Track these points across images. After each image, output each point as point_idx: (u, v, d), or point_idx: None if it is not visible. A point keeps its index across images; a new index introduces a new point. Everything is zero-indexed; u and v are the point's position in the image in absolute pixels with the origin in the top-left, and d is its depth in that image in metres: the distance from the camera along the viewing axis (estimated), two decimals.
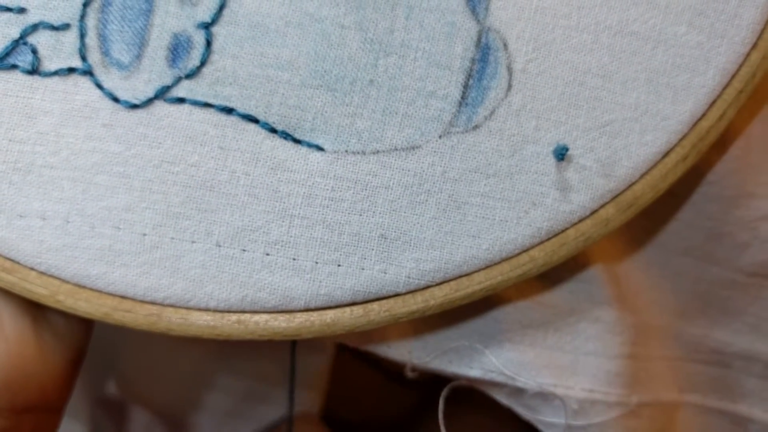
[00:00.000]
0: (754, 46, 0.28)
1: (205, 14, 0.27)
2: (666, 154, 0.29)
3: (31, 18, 0.27)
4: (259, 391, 0.43)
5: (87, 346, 0.32)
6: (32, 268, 0.28)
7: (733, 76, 0.28)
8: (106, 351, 0.41)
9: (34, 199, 0.28)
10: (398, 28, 0.28)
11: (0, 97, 0.27)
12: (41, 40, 0.27)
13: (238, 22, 0.28)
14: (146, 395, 0.43)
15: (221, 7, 0.27)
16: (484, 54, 0.28)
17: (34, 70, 0.27)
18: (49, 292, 0.28)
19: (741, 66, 0.28)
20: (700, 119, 0.29)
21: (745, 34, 0.28)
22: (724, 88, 0.28)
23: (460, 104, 0.28)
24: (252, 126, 0.28)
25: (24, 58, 0.27)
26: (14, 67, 0.27)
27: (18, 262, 0.28)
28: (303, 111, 0.28)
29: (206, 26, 0.27)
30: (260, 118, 0.28)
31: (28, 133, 0.27)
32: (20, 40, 0.27)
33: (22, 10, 0.27)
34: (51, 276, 0.28)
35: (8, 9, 0.27)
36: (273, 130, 0.28)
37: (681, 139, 0.29)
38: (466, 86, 0.28)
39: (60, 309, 0.28)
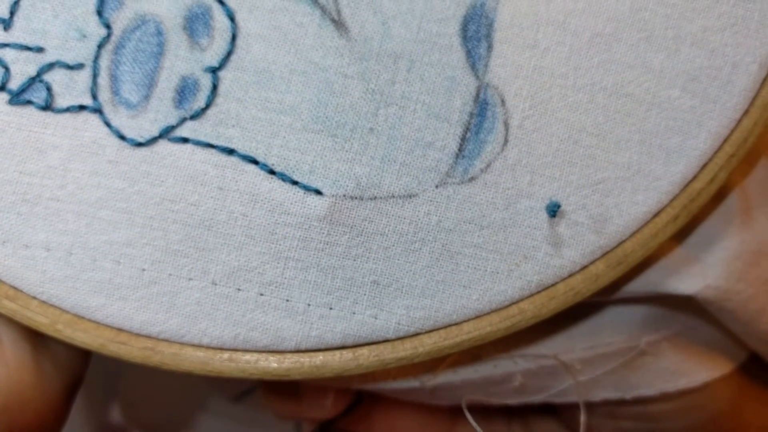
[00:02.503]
0: (746, 112, 0.29)
1: (213, 59, 0.28)
2: (657, 214, 0.29)
3: (48, 57, 0.29)
4: (260, 417, 0.43)
5: (84, 374, 0.32)
6: (34, 297, 0.29)
7: (725, 141, 0.29)
8: (109, 376, 0.42)
9: (40, 230, 0.28)
10: (399, 80, 0.29)
11: (14, 131, 0.28)
12: (56, 78, 0.29)
13: (244, 68, 0.28)
14: (148, 420, 0.43)
15: (229, 53, 0.28)
16: (482, 109, 0.29)
17: (47, 107, 0.28)
18: (49, 321, 0.29)
19: (733, 131, 0.29)
20: (691, 181, 0.29)
21: (737, 100, 0.29)
22: (716, 151, 0.29)
23: (457, 156, 0.29)
24: (251, 167, 0.28)
25: (39, 95, 0.28)
26: (29, 102, 0.28)
27: (21, 291, 0.29)
28: (303, 153, 0.29)
29: (213, 70, 0.28)
30: (260, 159, 0.28)
31: (38, 167, 0.28)
32: (36, 78, 0.28)
33: (40, 50, 0.29)
34: (52, 305, 0.29)
35: (28, 48, 0.29)
36: (272, 172, 0.28)
37: (672, 200, 0.29)
38: (463, 139, 0.29)
39: (59, 338, 0.29)
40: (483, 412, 0.34)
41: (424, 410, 0.36)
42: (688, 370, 0.33)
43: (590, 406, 0.33)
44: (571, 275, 0.29)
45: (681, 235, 0.31)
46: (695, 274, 0.31)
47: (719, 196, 0.31)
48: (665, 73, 0.29)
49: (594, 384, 0.33)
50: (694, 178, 0.29)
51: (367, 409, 0.37)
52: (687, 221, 0.29)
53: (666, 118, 0.29)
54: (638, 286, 0.31)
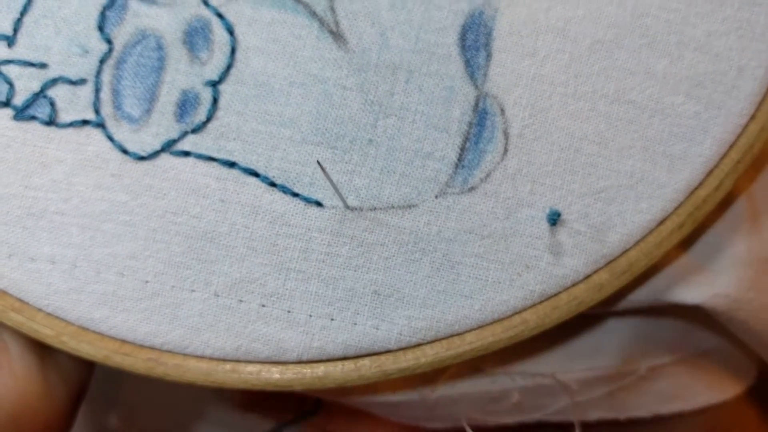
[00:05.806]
0: (753, 117, 0.28)
1: (213, 73, 0.29)
2: (661, 222, 0.29)
3: (52, 73, 0.29)
4: (261, 426, 0.43)
5: (89, 384, 0.33)
6: (40, 309, 0.29)
7: (731, 147, 0.28)
8: (109, 383, 0.42)
9: (45, 243, 0.29)
10: (398, 91, 0.29)
11: (19, 146, 0.29)
12: (59, 93, 0.29)
13: (244, 81, 0.29)
14: (148, 427, 0.44)
15: (229, 67, 0.29)
16: (481, 118, 0.29)
17: (51, 122, 0.29)
18: (55, 333, 0.29)
19: (739, 137, 0.28)
20: (696, 188, 0.29)
21: (743, 106, 0.28)
22: (722, 158, 0.28)
23: (457, 166, 0.29)
24: (252, 180, 0.29)
25: (43, 110, 0.29)
26: (33, 118, 0.29)
27: (27, 303, 0.29)
28: (303, 166, 0.29)
29: (213, 84, 0.29)
30: (261, 172, 0.29)
31: (43, 181, 0.29)
32: (40, 94, 0.29)
33: (43, 66, 0.29)
34: (57, 317, 0.29)
35: (31, 64, 0.29)
36: (273, 184, 0.29)
37: (677, 208, 0.29)
38: (462, 149, 0.29)
39: (64, 350, 0.29)
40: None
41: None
42: (686, 395, 0.33)
43: (584, 423, 0.33)
44: (574, 284, 0.29)
45: (687, 242, 0.31)
46: (702, 283, 0.31)
47: (726, 202, 0.31)
48: (668, 79, 0.28)
49: (589, 404, 0.33)
50: (700, 185, 0.29)
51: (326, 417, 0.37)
52: (693, 229, 0.29)
53: (670, 125, 0.28)
54: (643, 295, 0.31)
